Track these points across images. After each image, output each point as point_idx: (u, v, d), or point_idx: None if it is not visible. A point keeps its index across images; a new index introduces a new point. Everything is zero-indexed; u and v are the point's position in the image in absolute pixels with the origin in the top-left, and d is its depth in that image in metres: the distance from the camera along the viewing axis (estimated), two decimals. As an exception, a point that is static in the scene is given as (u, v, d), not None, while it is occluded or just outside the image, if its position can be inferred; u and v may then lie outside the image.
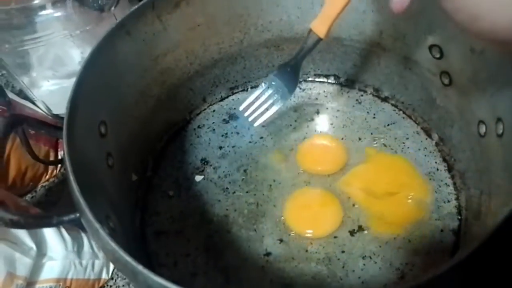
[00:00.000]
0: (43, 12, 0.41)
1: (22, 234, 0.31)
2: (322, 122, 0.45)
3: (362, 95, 0.47)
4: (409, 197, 0.39)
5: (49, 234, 0.32)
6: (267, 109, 0.40)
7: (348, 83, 0.48)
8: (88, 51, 0.45)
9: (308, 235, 0.38)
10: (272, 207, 0.40)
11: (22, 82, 0.46)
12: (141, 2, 0.35)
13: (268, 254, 0.37)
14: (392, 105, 0.45)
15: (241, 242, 0.38)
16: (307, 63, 0.48)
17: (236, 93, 0.49)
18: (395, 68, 0.42)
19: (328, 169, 0.42)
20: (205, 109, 0.48)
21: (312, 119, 0.46)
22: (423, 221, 0.37)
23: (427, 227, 0.36)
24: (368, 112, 0.45)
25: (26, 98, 0.49)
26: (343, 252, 0.36)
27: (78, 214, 0.26)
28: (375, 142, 0.43)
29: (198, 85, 0.45)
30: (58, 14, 0.41)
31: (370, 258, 0.36)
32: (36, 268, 0.31)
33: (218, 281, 0.36)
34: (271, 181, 0.41)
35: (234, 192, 0.41)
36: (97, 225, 0.23)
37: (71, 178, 0.25)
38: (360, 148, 0.43)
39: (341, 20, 0.41)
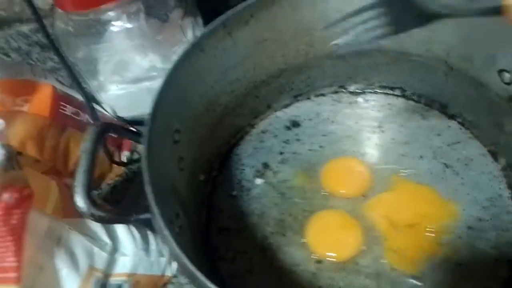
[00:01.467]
0: (117, 23, 0.44)
1: (99, 230, 0.36)
2: (383, 137, 0.46)
3: (427, 111, 0.46)
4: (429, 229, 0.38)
5: (121, 231, 0.37)
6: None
7: (414, 97, 0.47)
8: (152, 58, 0.50)
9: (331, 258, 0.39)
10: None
11: (91, 85, 0.50)
12: (214, 22, 0.38)
13: (319, 261, 0.39)
14: (459, 123, 0.44)
15: (294, 246, 0.40)
16: (371, 74, 0.48)
17: (299, 101, 0.51)
18: (462, 87, 0.41)
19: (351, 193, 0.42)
20: (269, 115, 0.50)
21: (374, 132, 0.46)
22: (476, 246, 0.37)
23: (481, 254, 0.36)
24: (432, 129, 0.45)
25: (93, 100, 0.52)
26: (393, 269, 0.37)
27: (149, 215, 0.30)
28: (435, 161, 0.42)
29: (264, 93, 0.48)
30: (130, 25, 0.44)
31: (420, 278, 0.36)
32: (111, 262, 0.36)
33: (271, 281, 0.39)
34: (324, 194, 0.43)
35: (291, 198, 0.44)
36: (166, 232, 0.27)
37: (148, 183, 0.29)
38: (422, 168, 0.42)
39: (410, 36, 0.42)
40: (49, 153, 0.42)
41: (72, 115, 0.46)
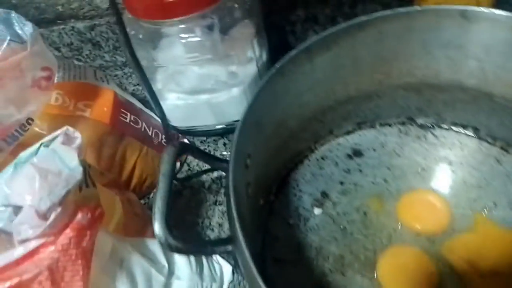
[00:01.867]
0: (187, 35, 0.43)
1: (157, 251, 0.34)
2: (453, 177, 0.43)
3: (503, 155, 0.44)
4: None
5: (177, 254, 0.35)
6: None
7: (488, 138, 0.45)
8: (217, 71, 0.48)
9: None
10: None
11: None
12: (298, 48, 0.36)
13: (382, 308, 0.37)
14: (539, 173, 0.42)
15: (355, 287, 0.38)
16: (444, 109, 0.46)
17: (363, 128, 0.48)
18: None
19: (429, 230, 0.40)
20: (330, 141, 0.48)
21: (444, 171, 0.44)
22: None
23: None
24: (508, 176, 0.42)
25: (150, 108, 0.51)
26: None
27: (229, 248, 0.28)
28: (511, 211, 0.40)
29: (329, 118, 0.46)
30: (200, 38, 0.43)
31: None
32: (167, 286, 0.34)
33: (330, 322, 0.37)
34: (392, 230, 0.41)
35: (351, 233, 0.41)
36: (254, 270, 0.25)
37: (235, 218, 0.27)
38: (496, 217, 0.40)
39: (497, 77, 0.39)
40: (106, 162, 0.41)
41: (131, 123, 0.44)
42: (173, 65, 0.47)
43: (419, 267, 0.38)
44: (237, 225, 0.26)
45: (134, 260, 0.33)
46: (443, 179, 0.44)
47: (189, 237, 0.35)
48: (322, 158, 0.47)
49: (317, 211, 0.43)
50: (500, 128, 0.43)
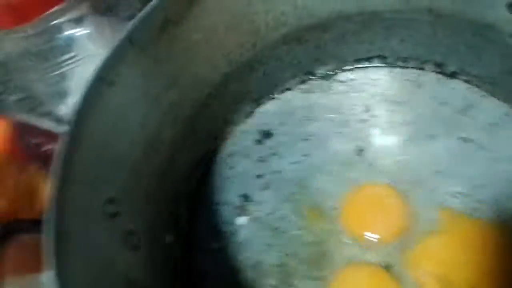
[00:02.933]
0: (66, 33, 0.36)
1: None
2: (377, 123, 0.36)
3: (420, 75, 0.37)
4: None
5: None
6: None
7: (398, 62, 0.38)
8: None
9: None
10: (337, 243, 0.32)
11: (58, 112, 0.40)
12: (116, 44, 0.27)
13: (344, 310, 0.30)
14: (465, 81, 0.35)
15: (307, 298, 0.31)
16: (339, 49, 0.38)
17: (263, 104, 0.40)
18: (459, 36, 0.32)
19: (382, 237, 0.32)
20: (231, 132, 0.40)
21: (364, 120, 0.37)
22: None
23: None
24: (434, 97, 0.35)
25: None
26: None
27: None
28: (451, 138, 0.33)
29: (216, 108, 0.38)
30: (83, 32, 0.36)
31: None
32: None
33: None
34: (331, 209, 0.34)
35: (286, 232, 0.34)
36: None
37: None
38: (437, 152, 0.33)
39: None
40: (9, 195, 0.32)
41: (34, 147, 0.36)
42: (69, 69, 0.38)
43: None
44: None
45: None
46: (366, 129, 0.37)
47: None
48: (229, 156, 0.39)
49: (241, 220, 0.36)
50: (404, 46, 0.36)
